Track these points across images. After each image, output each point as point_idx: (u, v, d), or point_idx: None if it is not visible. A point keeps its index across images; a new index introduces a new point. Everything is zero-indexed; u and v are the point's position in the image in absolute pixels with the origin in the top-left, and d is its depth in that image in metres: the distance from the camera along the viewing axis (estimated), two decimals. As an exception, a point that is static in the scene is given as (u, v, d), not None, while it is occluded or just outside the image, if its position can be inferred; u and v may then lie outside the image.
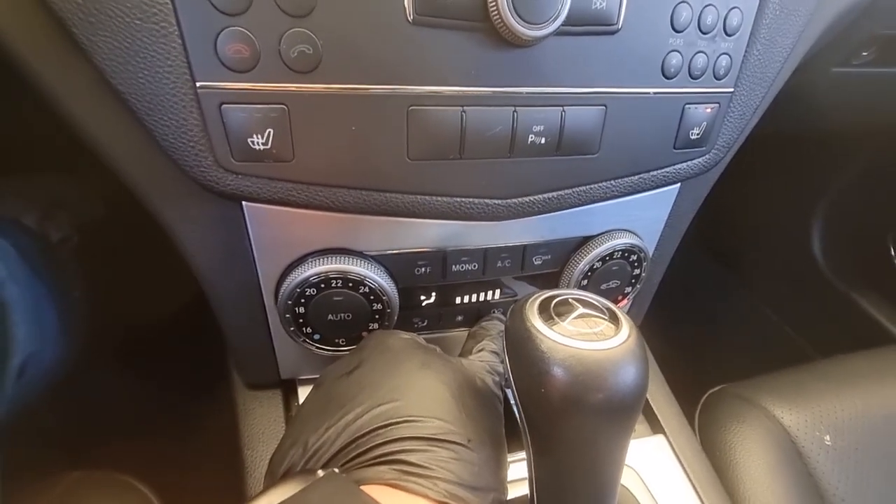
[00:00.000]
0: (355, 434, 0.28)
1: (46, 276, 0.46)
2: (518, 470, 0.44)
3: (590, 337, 0.27)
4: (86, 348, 0.52)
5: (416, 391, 0.30)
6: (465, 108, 0.33)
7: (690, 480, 0.47)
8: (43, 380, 0.44)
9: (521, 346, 0.28)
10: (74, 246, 0.54)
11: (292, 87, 0.30)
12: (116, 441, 0.73)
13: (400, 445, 0.27)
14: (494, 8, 0.29)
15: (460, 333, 0.47)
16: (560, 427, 0.28)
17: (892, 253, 0.96)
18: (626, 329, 0.28)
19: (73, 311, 0.50)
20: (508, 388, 0.30)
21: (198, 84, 0.29)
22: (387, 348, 0.34)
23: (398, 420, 0.28)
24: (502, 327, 0.43)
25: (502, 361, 0.38)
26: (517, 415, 0.30)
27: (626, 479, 0.46)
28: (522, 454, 0.31)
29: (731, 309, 1.19)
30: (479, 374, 0.35)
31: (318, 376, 0.35)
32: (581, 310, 0.29)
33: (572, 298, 0.30)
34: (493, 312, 0.47)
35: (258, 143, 0.31)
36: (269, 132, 0.31)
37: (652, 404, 0.53)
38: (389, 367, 0.32)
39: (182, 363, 0.75)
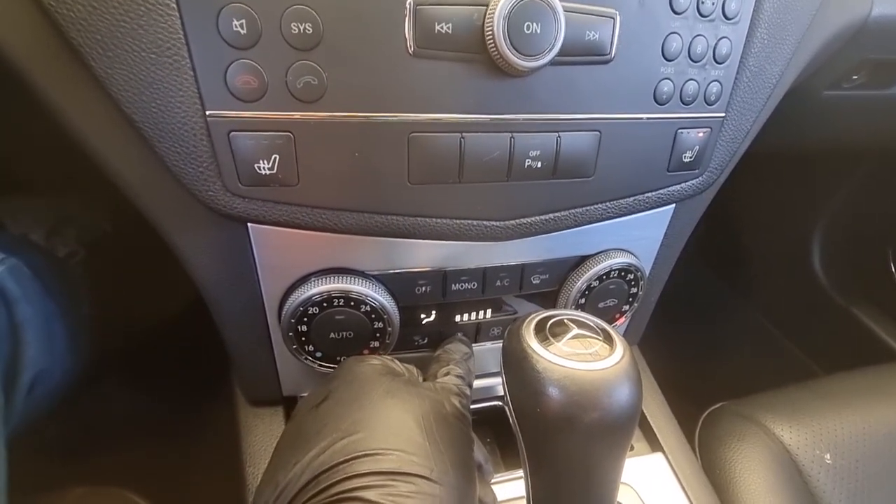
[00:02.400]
0: (318, 470, 0.28)
1: (56, 293, 0.47)
2: (516, 488, 0.44)
3: (584, 357, 0.28)
4: (93, 363, 0.53)
5: (379, 422, 0.30)
6: (463, 134, 0.34)
7: (689, 498, 0.47)
8: (52, 396, 0.45)
9: (517, 366, 0.29)
10: (81, 260, 0.55)
11: (298, 115, 0.31)
12: (119, 455, 0.74)
13: (359, 482, 0.27)
14: (491, 41, 0.30)
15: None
16: (555, 445, 0.28)
17: (892, 268, 0.97)
18: (620, 349, 0.29)
19: (82, 326, 0.51)
20: (506, 405, 0.31)
21: (208, 113, 0.30)
22: (354, 378, 0.34)
23: (358, 454, 0.28)
24: (466, 350, 0.44)
25: (469, 385, 0.39)
26: (515, 432, 0.30)
27: (624, 497, 0.46)
28: (520, 472, 0.31)
29: (733, 324, 1.19)
30: (448, 398, 0.34)
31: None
32: (576, 330, 0.30)
33: (567, 319, 0.31)
34: (457, 335, 0.47)
35: (265, 168, 0.32)
36: (276, 158, 0.32)
37: (651, 422, 0.53)
38: (354, 398, 0.32)
39: (185, 378, 0.76)
